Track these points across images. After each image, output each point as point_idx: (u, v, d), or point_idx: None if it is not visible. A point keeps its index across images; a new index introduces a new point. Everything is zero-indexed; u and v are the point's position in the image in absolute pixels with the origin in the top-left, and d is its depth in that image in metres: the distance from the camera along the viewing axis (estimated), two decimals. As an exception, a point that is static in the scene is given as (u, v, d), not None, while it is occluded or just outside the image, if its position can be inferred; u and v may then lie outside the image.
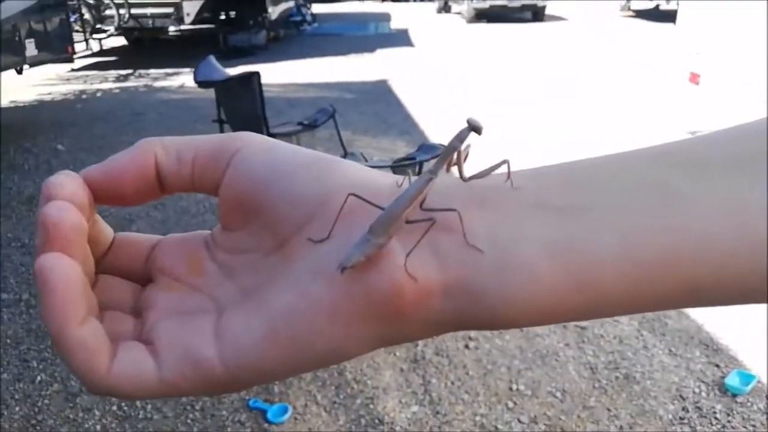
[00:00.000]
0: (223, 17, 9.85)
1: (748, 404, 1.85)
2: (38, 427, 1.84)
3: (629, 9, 15.00)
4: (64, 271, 0.21)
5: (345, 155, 2.65)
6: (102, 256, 0.26)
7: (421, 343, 2.16)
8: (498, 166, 0.24)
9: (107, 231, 0.26)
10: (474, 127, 0.25)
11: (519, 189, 0.23)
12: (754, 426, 1.77)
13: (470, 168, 0.25)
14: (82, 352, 0.21)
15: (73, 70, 8.07)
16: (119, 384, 0.22)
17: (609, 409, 1.85)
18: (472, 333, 2.20)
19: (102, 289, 0.25)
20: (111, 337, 0.23)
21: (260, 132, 2.08)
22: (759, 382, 1.93)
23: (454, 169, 0.24)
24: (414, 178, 0.24)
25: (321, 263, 0.23)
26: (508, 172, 0.24)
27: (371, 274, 0.22)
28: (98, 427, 1.84)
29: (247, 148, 0.25)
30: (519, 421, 1.81)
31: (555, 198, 0.22)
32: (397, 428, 1.79)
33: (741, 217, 0.20)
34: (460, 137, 0.25)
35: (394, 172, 2.27)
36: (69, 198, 0.22)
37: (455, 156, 0.25)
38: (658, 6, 13.48)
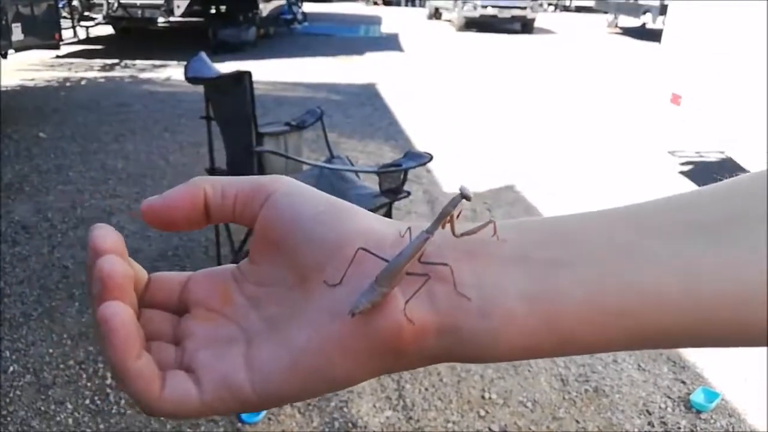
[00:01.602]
0: (213, 11, 9.81)
1: (712, 421, 1.91)
2: (9, 419, 1.82)
3: (616, 26, 15.22)
4: (122, 317, 0.25)
5: (331, 158, 2.66)
6: (142, 293, 0.30)
7: (397, 348, 2.18)
8: (485, 224, 0.27)
9: (142, 272, 0.30)
10: (464, 195, 0.29)
11: (504, 243, 0.26)
12: (716, 442, 1.83)
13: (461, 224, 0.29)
14: (140, 381, 0.26)
15: (58, 56, 7.97)
16: (169, 407, 0.26)
17: (578, 421, 1.89)
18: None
19: (146, 322, 0.29)
20: (158, 366, 0.27)
21: (249, 131, 2.09)
22: (723, 399, 1.98)
23: (448, 227, 0.28)
24: (417, 229, 0.28)
25: (334, 305, 0.27)
26: (495, 230, 0.27)
27: (376, 317, 0.26)
28: (70, 421, 1.83)
29: (280, 192, 0.29)
30: (490, 429, 1.84)
31: (534, 252, 0.25)
32: (370, 432, 1.82)
33: (691, 279, 0.23)
34: (453, 203, 0.28)
35: (380, 179, 2.29)
36: (113, 250, 0.26)
37: (449, 217, 0.28)
38: (644, 24, 13.70)
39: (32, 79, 6.68)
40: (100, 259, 0.26)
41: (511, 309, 0.25)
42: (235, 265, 0.31)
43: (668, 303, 0.23)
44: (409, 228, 0.29)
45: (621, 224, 0.26)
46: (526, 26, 13.91)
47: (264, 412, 1.84)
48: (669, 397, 2.00)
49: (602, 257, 0.24)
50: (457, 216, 0.28)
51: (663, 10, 10.45)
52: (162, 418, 1.83)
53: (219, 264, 2.54)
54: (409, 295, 0.26)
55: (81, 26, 8.52)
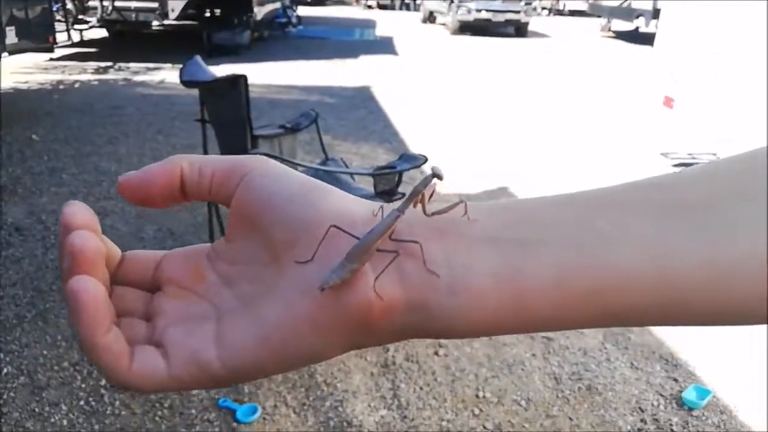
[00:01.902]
0: (207, 15, 9.81)
1: (703, 418, 1.92)
2: (3, 420, 1.82)
3: (609, 29, 15.31)
4: (92, 291, 0.25)
5: (326, 161, 2.67)
6: (114, 271, 0.30)
7: (392, 348, 2.19)
8: (456, 204, 0.28)
9: (115, 249, 0.30)
10: (436, 175, 0.30)
11: (474, 222, 0.27)
12: (708, 440, 1.84)
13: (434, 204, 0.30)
14: (108, 355, 0.26)
15: (51, 59, 7.95)
16: (136, 380, 0.27)
17: (571, 419, 1.90)
18: (443, 341, 2.24)
19: (118, 299, 0.29)
20: (128, 341, 0.27)
21: (244, 134, 2.10)
22: (714, 397, 2.00)
23: (420, 206, 0.29)
24: (387, 208, 0.29)
25: (305, 282, 0.27)
26: (465, 210, 0.27)
27: (346, 293, 0.26)
28: (65, 422, 1.83)
29: (256, 171, 0.30)
30: (484, 427, 1.85)
31: (504, 232, 0.26)
32: (365, 431, 1.82)
33: (660, 259, 0.23)
34: (425, 182, 0.29)
35: (375, 181, 2.31)
36: (86, 225, 0.27)
37: (420, 196, 0.29)
38: (638, 28, 13.78)
39: (26, 82, 6.66)
40: (72, 233, 0.26)
41: (480, 287, 0.25)
42: (209, 244, 0.32)
43: (638, 283, 0.24)
44: (382, 207, 0.29)
45: (592, 205, 0.26)
46: (520, 30, 13.97)
47: (259, 412, 1.84)
48: (661, 395, 2.02)
49: (572, 237, 0.25)
50: (430, 197, 0.29)
51: (656, 14, 10.52)
52: (157, 418, 1.83)
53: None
54: (379, 271, 0.26)
55: (75, 29, 8.49)
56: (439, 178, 0.30)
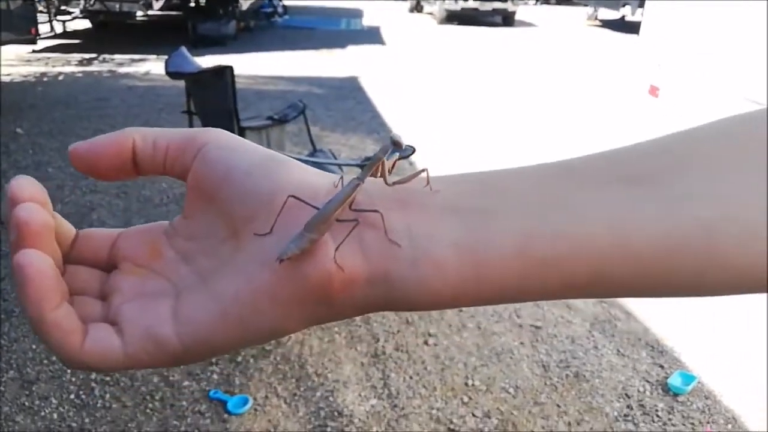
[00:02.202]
0: (192, 5, 9.69)
1: (688, 403, 1.96)
2: (-8, 414, 1.82)
3: (596, 18, 15.34)
4: (38, 264, 0.24)
5: (314, 152, 2.67)
6: (68, 249, 0.29)
7: (381, 338, 2.21)
8: (418, 173, 0.28)
9: (68, 226, 0.29)
10: (395, 142, 0.29)
11: (437, 193, 0.27)
12: (692, 424, 1.88)
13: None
14: (57, 332, 0.25)
15: (34, 51, 7.84)
16: (90, 359, 0.26)
17: (559, 405, 1.93)
18: (432, 330, 2.26)
19: (71, 277, 0.28)
20: (82, 319, 0.26)
21: (231, 126, 2.09)
22: (699, 382, 2.04)
23: (381, 177, 0.28)
24: (348, 179, 0.28)
25: (264, 254, 0.26)
26: (428, 179, 0.27)
27: (305, 264, 0.25)
28: (55, 416, 1.83)
29: (213, 143, 0.29)
30: (473, 415, 1.87)
31: (466, 202, 0.26)
32: (356, 421, 1.84)
33: (617, 229, 0.24)
34: (384, 150, 0.29)
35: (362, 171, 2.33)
36: (33, 198, 0.26)
37: (381, 164, 0.28)
38: (624, 17, 13.82)
39: (8, 75, 6.56)
40: (18, 206, 0.25)
41: (442, 258, 0.25)
42: (167, 222, 0.31)
43: (597, 253, 0.24)
44: (341, 177, 0.29)
45: (552, 176, 0.26)
46: (507, 19, 13.95)
47: (250, 403, 1.85)
48: (647, 381, 2.05)
49: (533, 207, 0.25)
50: (392, 167, 0.29)
51: (642, 2, 10.55)
52: (148, 410, 1.83)
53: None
54: (339, 241, 0.26)
55: (58, 20, 8.39)
56: (398, 146, 0.29)
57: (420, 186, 0.27)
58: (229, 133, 0.29)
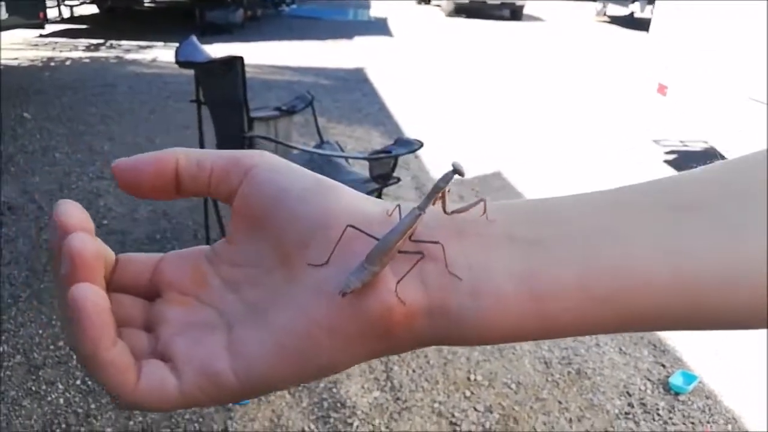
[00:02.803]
0: (200, -8, 9.66)
1: (689, 402, 1.97)
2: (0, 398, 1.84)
3: (605, 14, 15.24)
4: (96, 300, 0.23)
5: (321, 144, 2.68)
6: (109, 276, 0.28)
7: (385, 331, 2.22)
8: (476, 203, 0.27)
9: (109, 251, 0.28)
10: (457, 171, 0.29)
11: (493, 222, 0.26)
12: (693, 423, 1.89)
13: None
14: (113, 370, 0.24)
15: (41, 35, 7.85)
16: (145, 399, 0.25)
17: (560, 402, 1.94)
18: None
19: (115, 307, 0.26)
20: (133, 355, 0.25)
21: (240, 116, 2.10)
22: (700, 382, 2.05)
23: (439, 203, 0.28)
24: (405, 208, 0.28)
25: (321, 286, 0.25)
26: (485, 209, 0.27)
27: (367, 298, 0.25)
28: (61, 401, 1.85)
29: (262, 166, 0.28)
30: (475, 409, 1.89)
31: (523, 232, 0.25)
32: (358, 412, 1.85)
33: (675, 259, 0.23)
34: (446, 179, 0.28)
35: (371, 165, 2.31)
36: (82, 226, 0.25)
37: (442, 194, 0.28)
38: (632, 13, 13.74)
39: (15, 59, 6.57)
40: (70, 236, 0.24)
41: (501, 289, 0.24)
42: (208, 246, 0.30)
43: (656, 286, 0.23)
44: (398, 205, 0.28)
45: (605, 205, 0.25)
46: (515, 13, 13.88)
47: (254, 393, 1.87)
48: (649, 380, 2.06)
49: (588, 240, 0.24)
50: (447, 192, 0.28)
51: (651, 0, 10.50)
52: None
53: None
54: (401, 274, 0.25)
55: (66, 5, 8.38)
56: (460, 174, 0.29)
57: (476, 215, 0.27)
58: (276, 156, 0.29)
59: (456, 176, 0.29)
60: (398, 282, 0.25)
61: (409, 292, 0.25)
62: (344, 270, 0.25)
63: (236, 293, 0.28)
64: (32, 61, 6.59)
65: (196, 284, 0.28)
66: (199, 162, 0.28)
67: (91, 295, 0.23)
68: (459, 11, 13.76)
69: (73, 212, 0.25)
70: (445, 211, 0.27)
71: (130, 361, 0.25)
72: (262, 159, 0.28)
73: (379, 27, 11.43)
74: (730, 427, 1.88)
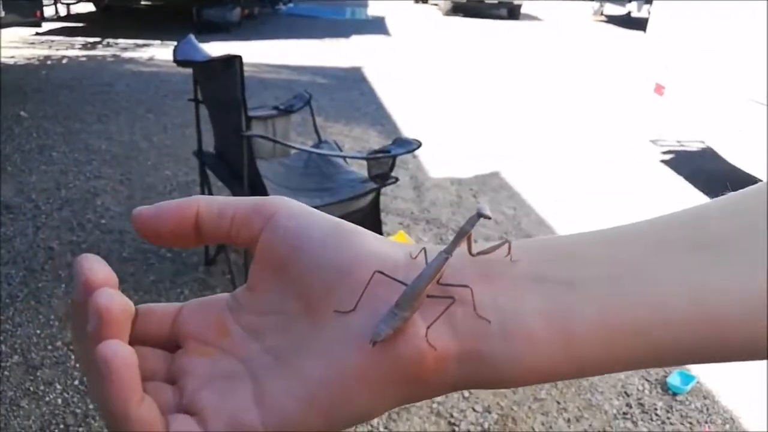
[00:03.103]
0: (197, -10, 9.64)
1: (687, 402, 1.98)
2: (-3, 398, 1.83)
3: (602, 14, 15.26)
4: (124, 357, 0.23)
5: (319, 143, 2.67)
6: (131, 328, 0.27)
7: (383, 331, 2.22)
8: (501, 245, 0.27)
9: (130, 303, 0.28)
10: (482, 215, 0.29)
11: (517, 263, 0.26)
12: (691, 423, 1.90)
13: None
14: (142, 427, 0.24)
15: (38, 33, 7.82)
16: None
17: (558, 402, 1.94)
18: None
19: (139, 360, 0.25)
20: (160, 410, 0.25)
21: (238, 115, 2.09)
22: (698, 382, 2.06)
23: (463, 246, 0.28)
24: (431, 251, 0.28)
25: (350, 334, 0.26)
26: (509, 250, 0.27)
27: (398, 344, 0.25)
28: (59, 401, 1.84)
29: (282, 213, 0.28)
30: (473, 410, 1.89)
31: (547, 272, 0.25)
32: (357, 412, 1.85)
33: (698, 294, 0.23)
34: (471, 222, 0.28)
35: (369, 165, 2.31)
36: (107, 282, 0.25)
37: (468, 237, 0.28)
38: (630, 13, 13.76)
39: (12, 57, 6.54)
40: (97, 291, 0.24)
41: (530, 330, 0.24)
42: (228, 294, 0.30)
43: (678, 320, 0.23)
44: (423, 249, 0.28)
45: (626, 242, 0.26)
46: (512, 12, 13.89)
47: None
48: (647, 380, 2.07)
49: (612, 276, 0.25)
50: (471, 239, 0.28)
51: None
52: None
53: (206, 252, 2.55)
54: (429, 319, 0.25)
55: (62, 3, 8.34)
56: (486, 217, 0.29)
57: (500, 256, 0.27)
58: (297, 202, 0.29)
59: (481, 219, 0.29)
60: (428, 327, 0.25)
61: (439, 338, 0.25)
62: (372, 316, 0.25)
63: (259, 342, 0.28)
64: (29, 59, 6.57)
65: (218, 333, 0.28)
66: (221, 210, 0.28)
67: (120, 352, 0.23)
68: (456, 10, 13.76)
69: (97, 267, 0.25)
70: (470, 253, 0.27)
71: (158, 417, 0.24)
72: (283, 205, 0.28)
73: (377, 26, 11.42)
74: (727, 426, 1.89)
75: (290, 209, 0.28)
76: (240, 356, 0.27)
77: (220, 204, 0.28)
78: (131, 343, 0.26)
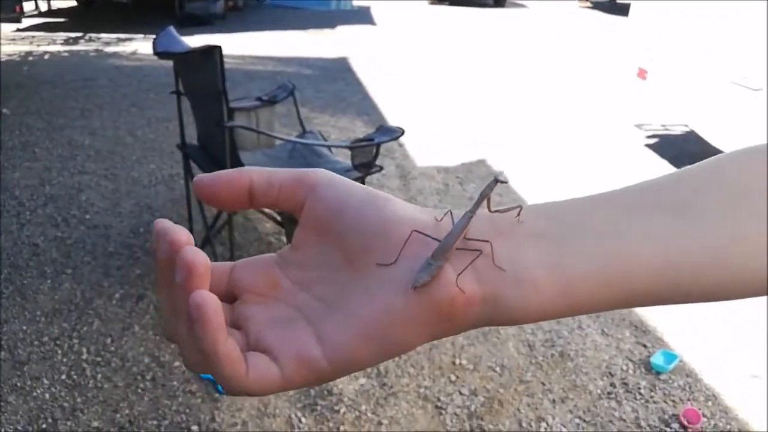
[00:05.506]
0: (180, -17, 9.54)
1: (670, 381, 2.01)
2: (-16, 394, 1.83)
3: (587, 0, 15.27)
4: (213, 304, 0.27)
5: (303, 133, 2.67)
6: None
7: (370, 319, 2.23)
8: (514, 208, 0.32)
9: (208, 259, 0.32)
10: (499, 180, 0.34)
11: (523, 223, 0.32)
12: (674, 401, 1.93)
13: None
14: (229, 363, 0.28)
15: (18, 29, 7.71)
16: (254, 385, 0.29)
17: (543, 383, 1.97)
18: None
19: None
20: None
21: (220, 106, 2.09)
22: (681, 361, 2.09)
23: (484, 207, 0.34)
24: (456, 213, 0.33)
25: (394, 281, 0.30)
26: (519, 212, 0.32)
27: (434, 289, 0.29)
28: (47, 396, 1.84)
29: (322, 183, 0.33)
30: (460, 393, 1.91)
31: (547, 231, 0.31)
32: (345, 399, 1.87)
33: (665, 250, 0.29)
34: (490, 186, 0.34)
35: (353, 153, 2.31)
36: (188, 241, 0.29)
37: (487, 198, 0.34)
38: (614, -1, 13.77)
39: (-8, 53, 6.47)
40: (183, 249, 0.28)
41: (536, 277, 0.29)
42: (274, 254, 0.34)
43: (646, 269, 0.29)
44: (450, 211, 0.33)
45: (608, 206, 0.32)
46: (498, 0, 13.87)
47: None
48: (630, 360, 2.10)
49: (595, 235, 0.30)
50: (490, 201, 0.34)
51: (632, -16, 10.50)
52: (139, 390, 1.86)
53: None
54: (459, 269, 0.30)
55: (42, -2, 8.23)
56: (503, 182, 0.35)
57: (510, 216, 0.32)
58: (333, 173, 0.33)
59: (498, 183, 0.34)
60: (458, 275, 0.29)
61: (466, 283, 0.29)
62: (409, 268, 0.30)
63: (307, 292, 0.32)
64: (10, 55, 6.49)
65: (269, 286, 0.32)
66: (270, 180, 0.33)
67: (209, 299, 0.27)
68: (442, -1, 13.71)
69: (179, 230, 0.29)
70: (489, 210, 0.33)
71: (240, 354, 0.28)
72: (323, 176, 0.33)
73: (363, 16, 11.37)
74: (710, 403, 1.92)
75: (330, 180, 0.33)
76: (292, 304, 0.32)
77: (270, 174, 0.33)
78: None
